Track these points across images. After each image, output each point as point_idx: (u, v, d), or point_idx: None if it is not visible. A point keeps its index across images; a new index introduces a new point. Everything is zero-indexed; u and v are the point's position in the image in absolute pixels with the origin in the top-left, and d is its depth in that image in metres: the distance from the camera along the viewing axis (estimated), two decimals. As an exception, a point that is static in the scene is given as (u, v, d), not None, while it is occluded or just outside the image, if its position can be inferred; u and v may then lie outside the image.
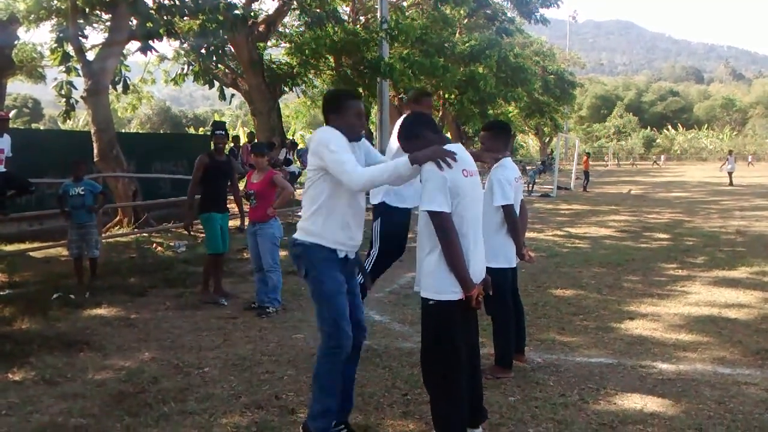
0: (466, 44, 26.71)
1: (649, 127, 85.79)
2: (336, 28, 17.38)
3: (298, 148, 19.77)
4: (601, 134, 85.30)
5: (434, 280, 3.16)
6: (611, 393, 4.44)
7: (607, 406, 4.21)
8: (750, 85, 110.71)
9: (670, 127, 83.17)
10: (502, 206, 4.59)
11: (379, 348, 5.38)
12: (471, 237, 3.18)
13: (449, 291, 3.13)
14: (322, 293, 3.60)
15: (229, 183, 7.31)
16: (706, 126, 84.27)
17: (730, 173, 29.14)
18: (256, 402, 4.25)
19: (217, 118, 44.25)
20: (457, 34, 27.91)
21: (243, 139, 20.55)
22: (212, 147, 7.27)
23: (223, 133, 7.33)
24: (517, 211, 4.77)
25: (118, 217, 12.14)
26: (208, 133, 7.27)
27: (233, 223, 8.16)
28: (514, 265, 4.82)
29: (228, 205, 7.40)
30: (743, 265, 8.91)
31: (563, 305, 6.81)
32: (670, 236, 12.06)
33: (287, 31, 19.81)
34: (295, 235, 3.67)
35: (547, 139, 56.56)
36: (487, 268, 4.73)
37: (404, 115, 3.83)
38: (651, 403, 4.24)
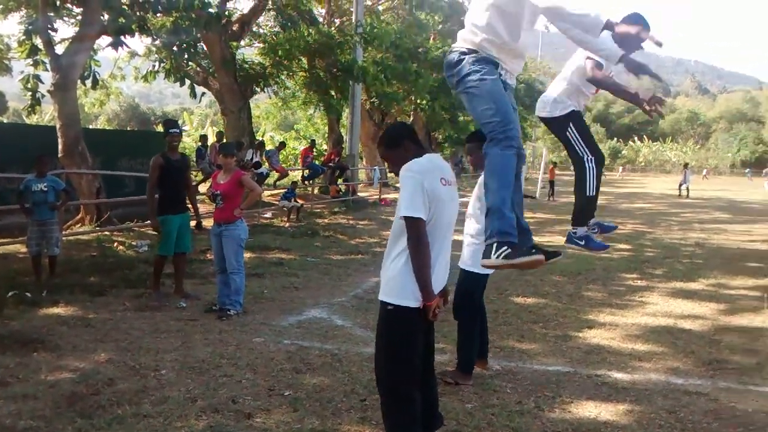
0: (440, 50, 26.85)
1: (615, 139, 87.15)
2: (311, 30, 17.36)
3: (267, 149, 19.64)
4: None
5: (396, 285, 3.17)
6: (567, 401, 4.50)
7: (562, 414, 4.27)
8: (715, 100, 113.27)
9: (636, 138, 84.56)
10: None
11: (339, 353, 5.38)
12: (437, 246, 3.20)
13: (410, 298, 3.13)
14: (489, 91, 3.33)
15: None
16: (670, 139, 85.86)
17: (681, 185, 29.89)
18: (213, 406, 4.22)
19: (186, 116, 43.78)
20: (431, 40, 28.05)
21: (211, 139, 20.41)
22: (166, 147, 7.13)
23: (177, 131, 7.26)
24: None
25: (80, 215, 11.94)
26: (173, 131, 7.11)
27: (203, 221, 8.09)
28: (491, 273, 4.87)
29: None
30: (701, 277, 9.10)
31: (524, 313, 6.89)
32: (632, 247, 12.26)
33: (261, 31, 19.74)
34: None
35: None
36: (465, 271, 4.81)
37: (396, 124, 3.84)
38: (605, 412, 4.31)
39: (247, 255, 8.11)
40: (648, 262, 10.39)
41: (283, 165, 21.63)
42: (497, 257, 3.26)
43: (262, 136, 30.81)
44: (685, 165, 33.47)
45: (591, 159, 4.27)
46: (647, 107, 3.74)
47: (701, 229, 15.78)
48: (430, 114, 28.57)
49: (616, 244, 12.34)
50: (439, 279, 3.26)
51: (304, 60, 18.68)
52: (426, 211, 3.09)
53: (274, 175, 18.92)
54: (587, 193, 4.29)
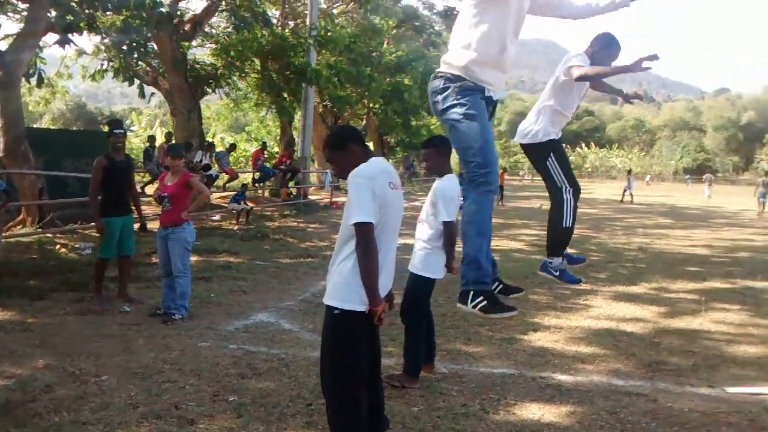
0: (393, 55, 27.01)
1: (563, 145, 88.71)
2: (264, 32, 17.22)
3: (217, 150, 19.39)
4: (518, 150, 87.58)
5: (343, 290, 3.17)
6: (511, 403, 4.56)
7: (507, 416, 4.33)
8: (660, 108, 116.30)
9: (583, 145, 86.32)
10: (444, 222, 4.68)
11: (286, 357, 5.34)
12: (384, 251, 3.21)
13: (356, 302, 3.14)
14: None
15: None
16: (617, 145, 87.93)
17: (625, 191, 30.68)
18: (155, 412, 4.14)
19: (134, 116, 42.96)
20: (385, 44, 28.14)
21: (160, 139, 20.06)
22: (111, 147, 6.97)
23: (122, 132, 7.12)
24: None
25: (21, 216, 11.59)
26: (117, 131, 6.95)
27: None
28: (440, 277, 4.91)
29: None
30: (643, 281, 9.34)
31: (471, 316, 6.93)
32: (577, 251, 12.47)
33: (214, 31, 19.50)
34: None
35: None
36: (415, 275, 4.84)
37: (342, 127, 3.85)
38: (548, 414, 4.38)
39: (193, 258, 8.00)
40: (592, 266, 10.60)
41: (234, 167, 21.40)
42: (473, 306, 3.40)
43: (213, 138, 30.42)
44: (629, 171, 34.32)
45: (569, 190, 4.36)
46: (627, 92, 3.88)
47: (644, 234, 16.20)
48: (382, 118, 28.67)
49: (562, 249, 12.58)
50: (385, 283, 3.27)
51: (257, 61, 18.53)
52: (376, 216, 3.10)
53: (224, 177, 18.70)
54: (563, 225, 4.36)
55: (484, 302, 3.38)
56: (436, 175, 4.87)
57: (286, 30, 20.34)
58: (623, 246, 13.63)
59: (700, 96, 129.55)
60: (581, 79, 4.19)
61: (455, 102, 3.37)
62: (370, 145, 34.34)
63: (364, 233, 3.07)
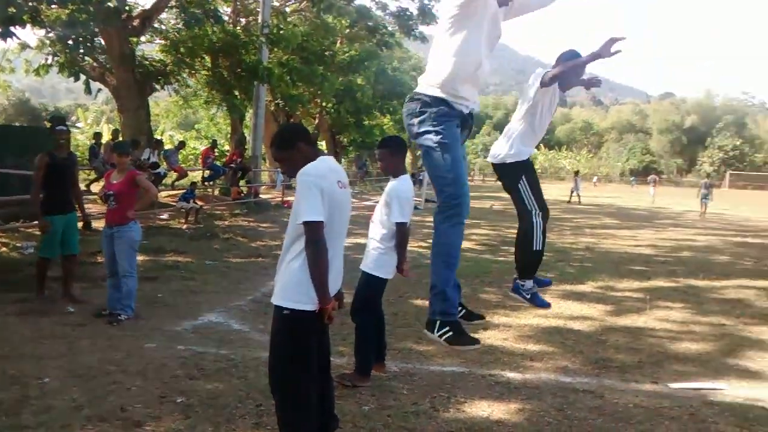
0: (346, 54, 26.96)
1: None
2: (215, 29, 16.98)
3: (165, 148, 19.05)
4: (470, 150, 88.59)
5: (292, 289, 3.14)
6: (461, 401, 4.60)
7: (457, 414, 4.36)
8: (607, 111, 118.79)
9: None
10: (398, 223, 4.68)
11: (236, 358, 5.28)
12: (332, 250, 3.20)
13: (306, 301, 3.12)
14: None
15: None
16: (565, 147, 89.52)
17: (572, 192, 31.31)
18: (99, 414, 4.05)
19: (80, 113, 41.91)
20: (338, 44, 28.06)
21: (106, 137, 19.62)
22: (53, 144, 6.81)
23: (65, 128, 6.95)
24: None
25: (-41, 214, 11.19)
26: (60, 128, 6.78)
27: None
28: (391, 277, 4.91)
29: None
30: (590, 280, 9.53)
31: (422, 315, 6.91)
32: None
33: (163, 27, 19.13)
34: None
35: (419, 153, 57.92)
36: (367, 274, 4.83)
37: (289, 125, 3.81)
38: (497, 411, 4.43)
39: (140, 258, 7.84)
40: (541, 265, 10.75)
41: (183, 165, 21.07)
42: (439, 336, 3.48)
43: (161, 135, 29.89)
44: (576, 173, 35.00)
45: (539, 214, 4.41)
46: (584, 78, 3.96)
47: (591, 234, 16.54)
48: (335, 117, 28.63)
49: (511, 248, 12.72)
50: (335, 282, 3.26)
51: (208, 58, 18.28)
52: (325, 214, 3.09)
53: (173, 175, 18.39)
54: (534, 248, 4.40)
55: (450, 333, 3.50)
56: (390, 176, 4.89)
57: (238, 27, 20.11)
58: (571, 245, 13.89)
59: (646, 100, 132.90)
60: (557, 78, 4.25)
61: (431, 128, 3.40)
62: (323, 144, 34.26)
63: (314, 232, 3.05)
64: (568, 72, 4.12)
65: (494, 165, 4.53)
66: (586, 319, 7.13)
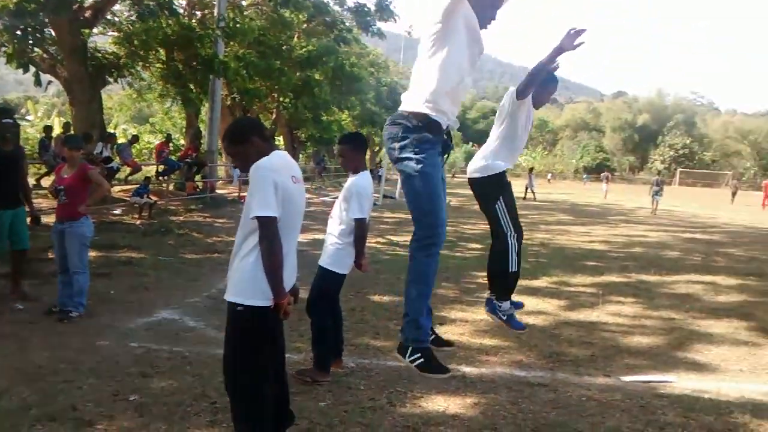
0: (304, 49, 26.75)
1: (471, 143, 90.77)
2: (170, 21, 16.66)
3: (119, 142, 18.66)
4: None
5: (246, 285, 3.12)
6: (417, 396, 4.62)
7: (413, 409, 4.38)
8: (562, 109, 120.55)
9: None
10: (356, 219, 4.68)
11: (190, 355, 5.22)
12: (287, 245, 3.18)
13: (260, 297, 3.09)
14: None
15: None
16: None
17: (527, 189, 31.76)
18: (50, 414, 3.96)
19: (30, 105, 40.69)
20: (295, 39, 27.85)
21: (57, 130, 19.15)
22: None
23: (10, 121, 6.76)
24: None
25: None
26: (5, 121, 6.57)
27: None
28: (348, 272, 4.90)
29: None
30: (544, 275, 9.66)
31: (380, 310, 7.00)
32: (483, 247, 12.78)
33: (117, 19, 18.71)
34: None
35: (377, 149, 58.03)
36: (324, 269, 4.82)
37: (242, 119, 3.76)
38: (453, 405, 4.47)
39: (92, 254, 7.69)
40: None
41: (137, 159, 20.67)
42: (411, 362, 3.53)
43: (115, 129, 29.30)
44: (530, 170, 35.44)
45: (514, 236, 4.45)
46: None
47: (546, 230, 16.78)
48: (292, 112, 28.38)
49: (468, 244, 12.85)
50: (289, 278, 3.24)
51: (162, 51, 17.91)
52: (279, 209, 3.06)
53: (126, 170, 18.04)
54: (510, 269, 4.45)
55: (421, 360, 3.52)
56: (350, 172, 4.89)
57: (193, 20, 19.79)
58: (526, 241, 13.93)
59: (599, 98, 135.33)
60: (527, 88, 4.28)
61: (412, 156, 3.40)
62: (280, 139, 34.01)
63: (267, 227, 3.03)
64: (537, 75, 4.16)
65: (472, 181, 4.55)
66: (541, 314, 7.24)
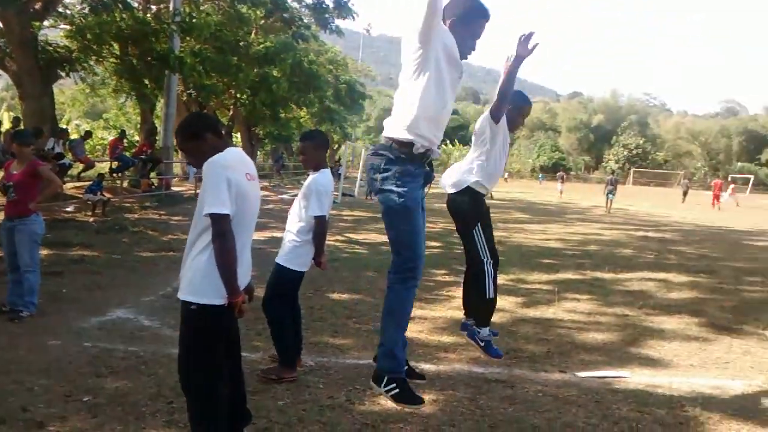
0: (262, 45, 26.53)
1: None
2: (124, 15, 16.34)
3: (71, 138, 18.25)
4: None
5: (199, 283, 3.07)
6: (376, 394, 4.60)
7: (372, 407, 4.38)
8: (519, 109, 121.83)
9: (448, 142, 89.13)
10: (316, 216, 4.65)
11: (145, 355, 5.13)
12: (241, 242, 3.14)
13: (214, 295, 3.06)
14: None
15: None
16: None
17: None
18: (-1, 416, 3.84)
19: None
20: (252, 35, 27.60)
21: (6, 125, 18.65)
22: None
23: None
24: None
25: None
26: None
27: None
28: (306, 270, 4.87)
29: None
30: (501, 273, 9.65)
31: (338, 309, 6.98)
32: (442, 244, 12.88)
33: (69, 12, 18.27)
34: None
35: (336, 147, 57.93)
36: (281, 266, 4.78)
37: (195, 114, 3.70)
38: (412, 402, 4.47)
39: (44, 252, 7.50)
40: (456, 259, 10.93)
41: (90, 156, 20.25)
42: (386, 391, 3.61)
43: (67, 124, 28.65)
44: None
45: (490, 262, 4.49)
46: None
47: (503, 228, 16.93)
48: (250, 109, 28.10)
49: (427, 242, 12.88)
50: (244, 275, 3.21)
51: (116, 46, 17.59)
52: (232, 206, 3.02)
53: (79, 166, 17.65)
54: (487, 296, 4.52)
55: (396, 390, 3.59)
56: (311, 169, 4.85)
57: (148, 14, 19.44)
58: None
59: (555, 98, 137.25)
60: (500, 109, 4.30)
61: (394, 188, 3.40)
62: (238, 136, 33.66)
63: (220, 224, 2.99)
64: (506, 93, 4.20)
65: (450, 198, 4.56)
66: (498, 311, 7.21)
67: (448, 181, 4.63)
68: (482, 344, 4.59)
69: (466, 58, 3.54)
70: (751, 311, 7.85)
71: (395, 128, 3.41)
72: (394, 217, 3.44)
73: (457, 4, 3.53)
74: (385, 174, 3.40)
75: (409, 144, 3.34)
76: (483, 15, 3.64)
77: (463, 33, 3.47)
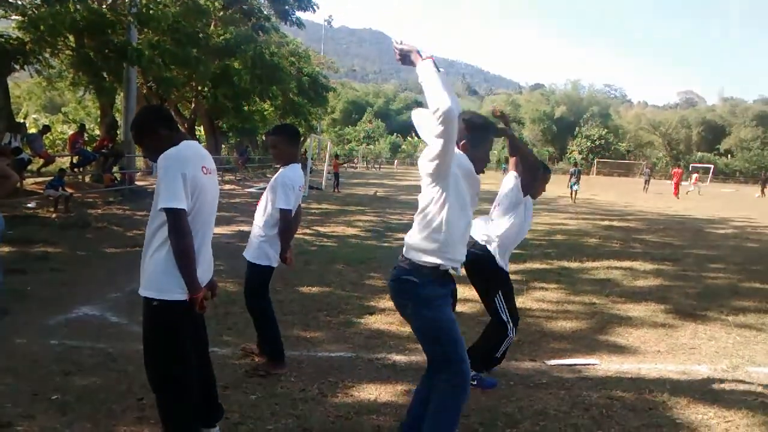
0: (221, 37, 26.24)
1: (395, 134, 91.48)
2: (78, 6, 15.95)
3: (29, 132, 17.82)
4: (352, 137, 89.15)
5: (159, 279, 3.04)
6: (349, 385, 4.62)
7: (344, 399, 4.38)
8: (482, 101, 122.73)
9: (414, 134, 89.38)
10: (281, 210, 4.61)
11: (114, 352, 5.06)
12: (200, 237, 3.11)
13: (175, 291, 3.03)
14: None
15: None
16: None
17: None
18: (-37, 417, 3.75)
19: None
20: (212, 26, 27.25)
21: (-39, 120, 18.12)
22: None
23: None
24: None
25: None
26: None
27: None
28: (275, 265, 4.83)
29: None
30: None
31: (309, 302, 6.96)
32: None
33: (20, 2, 17.79)
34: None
35: (301, 140, 57.60)
36: (250, 263, 4.74)
37: (147, 108, 3.60)
38: (384, 393, 4.49)
39: (5, 249, 7.33)
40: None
41: (49, 151, 19.81)
42: None
43: (24, 119, 28.00)
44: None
45: (513, 329, 4.63)
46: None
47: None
48: (212, 102, 27.78)
49: (395, 234, 12.93)
50: (205, 270, 3.19)
51: (71, 38, 17.18)
52: (188, 201, 2.98)
53: (39, 161, 17.26)
54: (496, 354, 4.69)
55: None
56: (281, 164, 4.81)
57: (104, 6, 19.02)
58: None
59: (518, 90, 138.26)
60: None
61: (424, 304, 3.32)
62: (201, 129, 33.26)
63: (176, 219, 2.95)
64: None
65: (474, 259, 4.59)
66: (468, 302, 7.32)
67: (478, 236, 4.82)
68: (474, 383, 4.63)
69: (483, 172, 3.60)
70: (715, 297, 8.03)
71: (424, 251, 3.36)
72: (432, 333, 3.42)
73: (462, 129, 3.52)
74: (415, 300, 3.37)
75: (438, 267, 3.34)
76: (491, 131, 3.75)
77: (475, 152, 3.54)
